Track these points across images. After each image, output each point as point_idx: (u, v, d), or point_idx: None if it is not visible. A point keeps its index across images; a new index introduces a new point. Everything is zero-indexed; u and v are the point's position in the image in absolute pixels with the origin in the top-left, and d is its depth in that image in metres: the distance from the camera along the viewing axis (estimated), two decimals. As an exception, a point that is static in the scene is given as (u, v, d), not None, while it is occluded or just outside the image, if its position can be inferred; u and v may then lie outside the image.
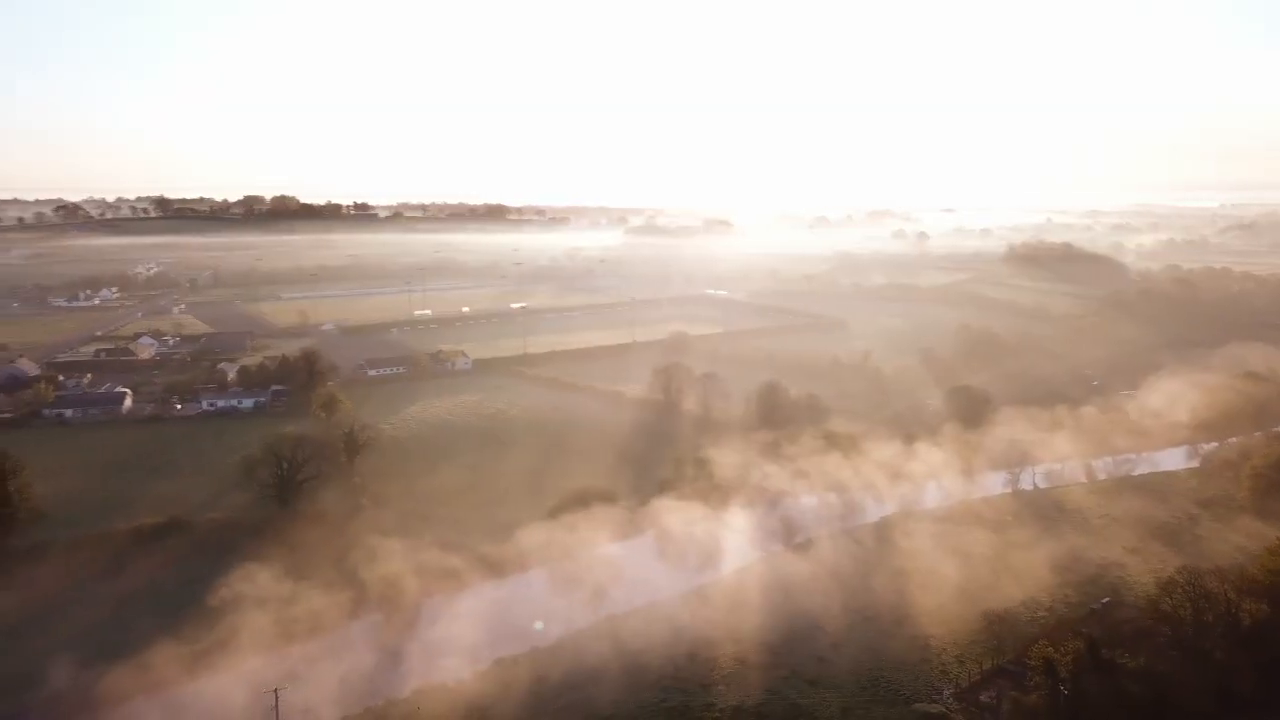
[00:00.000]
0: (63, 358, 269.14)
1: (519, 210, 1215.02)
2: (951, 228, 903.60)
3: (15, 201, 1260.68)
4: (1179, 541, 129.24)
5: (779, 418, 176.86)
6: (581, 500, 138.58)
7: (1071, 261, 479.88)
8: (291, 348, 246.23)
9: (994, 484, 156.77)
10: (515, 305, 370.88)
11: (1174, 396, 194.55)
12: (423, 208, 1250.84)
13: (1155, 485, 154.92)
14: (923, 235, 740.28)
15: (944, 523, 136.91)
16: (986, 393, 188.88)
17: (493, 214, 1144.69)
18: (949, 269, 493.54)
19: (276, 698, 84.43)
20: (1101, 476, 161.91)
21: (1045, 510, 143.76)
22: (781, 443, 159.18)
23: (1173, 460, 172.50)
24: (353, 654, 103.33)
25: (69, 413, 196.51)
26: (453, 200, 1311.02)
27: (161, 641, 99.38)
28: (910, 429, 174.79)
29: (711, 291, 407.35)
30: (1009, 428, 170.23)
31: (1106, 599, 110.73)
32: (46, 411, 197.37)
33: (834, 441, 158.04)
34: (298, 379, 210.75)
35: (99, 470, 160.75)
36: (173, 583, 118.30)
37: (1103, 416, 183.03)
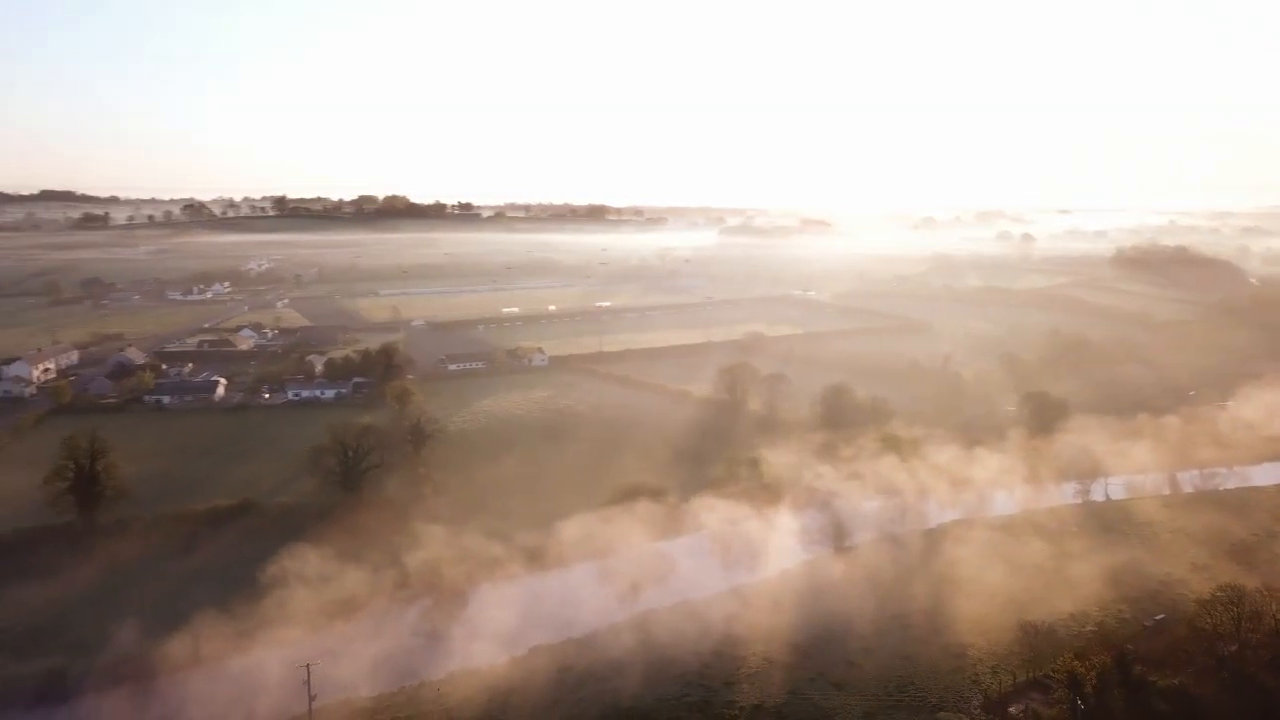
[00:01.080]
0: (171, 348, 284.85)
1: (619, 211, 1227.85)
2: (1064, 229, 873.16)
3: (153, 201, 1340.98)
4: (1253, 559, 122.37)
5: (843, 420, 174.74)
6: (631, 496, 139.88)
7: (1186, 265, 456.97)
8: (380, 342, 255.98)
9: (1061, 494, 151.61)
10: (600, 304, 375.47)
11: (1273, 408, 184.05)
12: (525, 208, 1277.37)
13: (1238, 500, 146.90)
14: (1027, 237, 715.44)
15: (1001, 531, 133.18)
16: (1063, 400, 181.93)
17: (594, 214, 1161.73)
18: (1050, 272, 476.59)
19: (308, 672, 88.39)
20: (1182, 490, 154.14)
21: (1112, 522, 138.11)
22: (841, 445, 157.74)
23: (1265, 475, 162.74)
24: (394, 635, 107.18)
25: (166, 399, 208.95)
26: (558, 201, 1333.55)
27: (217, 615, 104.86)
28: (979, 435, 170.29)
29: (797, 292, 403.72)
30: (1084, 436, 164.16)
31: (1161, 616, 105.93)
32: (147, 398, 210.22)
33: (895, 446, 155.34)
34: (378, 372, 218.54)
35: (184, 453, 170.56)
36: (237, 561, 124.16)
37: (1189, 427, 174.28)
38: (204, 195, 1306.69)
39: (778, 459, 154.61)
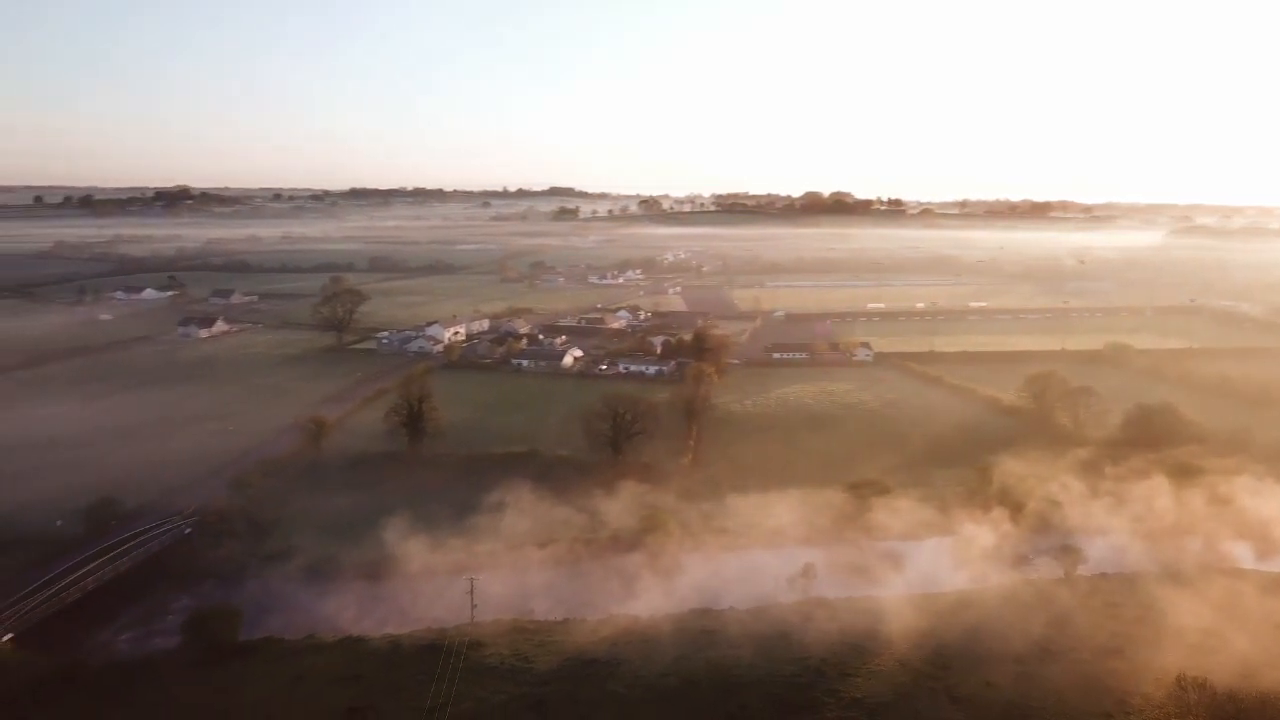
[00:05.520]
0: (563, 322, 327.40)
1: (1065, 206, 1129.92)
2: None
3: (634, 196, 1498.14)
4: None
5: (1148, 442, 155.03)
6: (860, 489, 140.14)
7: None
8: (735, 329, 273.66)
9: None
10: (974, 304, 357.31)
11: None
12: (960, 204, 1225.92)
13: None
14: None
15: (1270, 587, 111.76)
16: None
17: (1036, 211, 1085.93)
18: None
19: (471, 585, 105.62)
20: None
21: None
22: (1124, 468, 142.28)
23: None
24: (578, 576, 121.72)
25: (525, 363, 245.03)
26: (1016, 198, 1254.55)
27: (455, 533, 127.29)
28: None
29: (1221, 303, 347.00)
30: None
31: None
32: (513, 361, 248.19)
33: (1193, 479, 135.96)
34: (698, 354, 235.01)
35: (512, 407, 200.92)
36: (499, 496, 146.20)
37: None
38: (678, 192, 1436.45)
39: (1038, 472, 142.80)
